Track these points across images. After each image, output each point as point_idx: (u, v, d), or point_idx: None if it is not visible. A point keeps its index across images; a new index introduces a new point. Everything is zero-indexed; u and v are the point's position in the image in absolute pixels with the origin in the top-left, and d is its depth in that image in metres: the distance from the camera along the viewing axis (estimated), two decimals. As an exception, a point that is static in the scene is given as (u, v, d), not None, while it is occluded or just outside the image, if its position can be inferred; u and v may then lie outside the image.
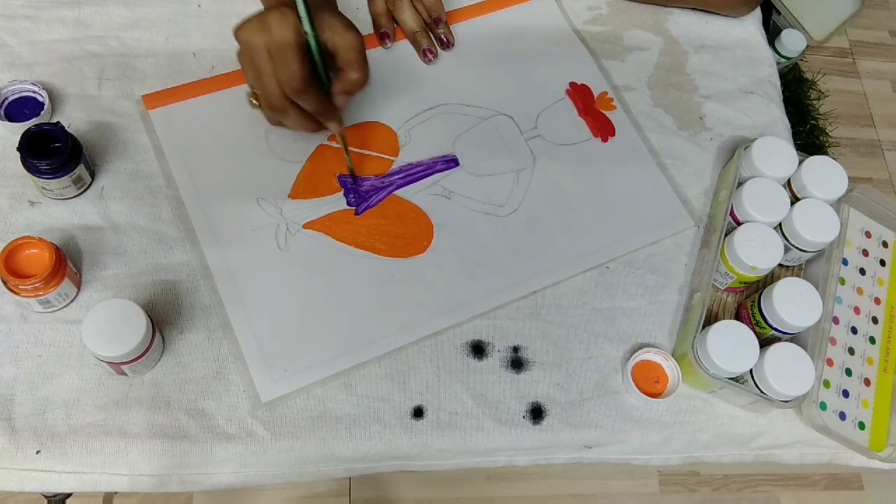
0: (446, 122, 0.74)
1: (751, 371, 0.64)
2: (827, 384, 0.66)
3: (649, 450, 0.66)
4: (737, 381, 0.64)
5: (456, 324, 0.66)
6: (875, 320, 0.71)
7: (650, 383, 0.66)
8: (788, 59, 1.53)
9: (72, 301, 0.61)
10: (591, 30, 0.82)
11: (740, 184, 0.71)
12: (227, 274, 0.64)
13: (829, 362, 0.67)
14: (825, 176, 0.71)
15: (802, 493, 1.37)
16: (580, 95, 0.77)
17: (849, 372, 0.68)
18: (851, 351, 0.69)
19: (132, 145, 0.68)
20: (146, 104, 0.70)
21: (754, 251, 0.66)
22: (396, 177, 0.71)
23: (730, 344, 0.63)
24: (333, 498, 1.23)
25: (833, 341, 0.68)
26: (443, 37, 0.77)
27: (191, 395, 0.60)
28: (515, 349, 0.66)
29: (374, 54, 0.76)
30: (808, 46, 1.53)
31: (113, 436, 0.58)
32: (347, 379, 0.63)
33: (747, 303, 0.69)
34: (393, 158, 0.72)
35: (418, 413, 0.62)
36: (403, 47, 0.77)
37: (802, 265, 0.74)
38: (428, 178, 0.71)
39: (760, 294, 0.67)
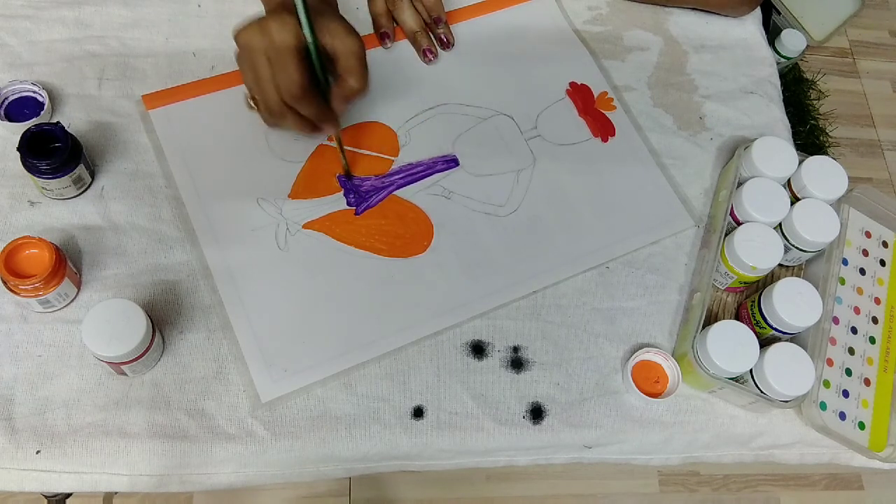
0: (446, 122, 0.74)
1: (751, 371, 0.64)
2: (827, 384, 0.66)
3: (649, 450, 0.66)
4: (737, 381, 0.64)
5: (456, 324, 0.66)
6: (875, 320, 0.71)
7: (650, 383, 0.66)
8: (788, 59, 1.52)
9: (72, 301, 0.61)
10: (591, 30, 0.82)
11: (740, 184, 0.71)
12: (227, 274, 0.64)
13: (829, 362, 0.67)
14: (825, 176, 0.71)
15: (802, 493, 1.37)
16: (580, 95, 0.77)
17: (849, 372, 0.68)
18: (851, 351, 0.69)
19: (132, 145, 0.68)
20: (146, 104, 0.70)
21: (754, 251, 0.66)
22: (396, 177, 0.71)
23: (730, 344, 0.63)
24: (333, 498, 1.23)
25: (833, 341, 0.68)
26: (443, 37, 0.77)
27: (191, 395, 0.60)
28: (515, 349, 0.66)
29: (374, 54, 0.76)
30: (808, 46, 1.52)
31: (113, 436, 0.58)
32: (347, 379, 0.63)
33: (747, 303, 0.69)
34: (393, 158, 0.72)
35: (418, 413, 0.62)
36: (403, 47, 0.77)
37: (802, 265, 0.74)
38: (428, 178, 0.71)
39: (760, 294, 0.67)
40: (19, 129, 0.63)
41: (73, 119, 0.68)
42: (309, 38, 0.58)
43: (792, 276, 0.71)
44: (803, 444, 0.67)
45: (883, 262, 0.74)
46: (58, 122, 0.61)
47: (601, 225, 0.71)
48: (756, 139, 0.72)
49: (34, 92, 0.67)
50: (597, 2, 0.84)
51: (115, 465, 0.58)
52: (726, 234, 0.69)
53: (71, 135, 0.62)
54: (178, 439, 0.59)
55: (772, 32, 1.53)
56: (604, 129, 0.76)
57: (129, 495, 1.14)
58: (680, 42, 0.83)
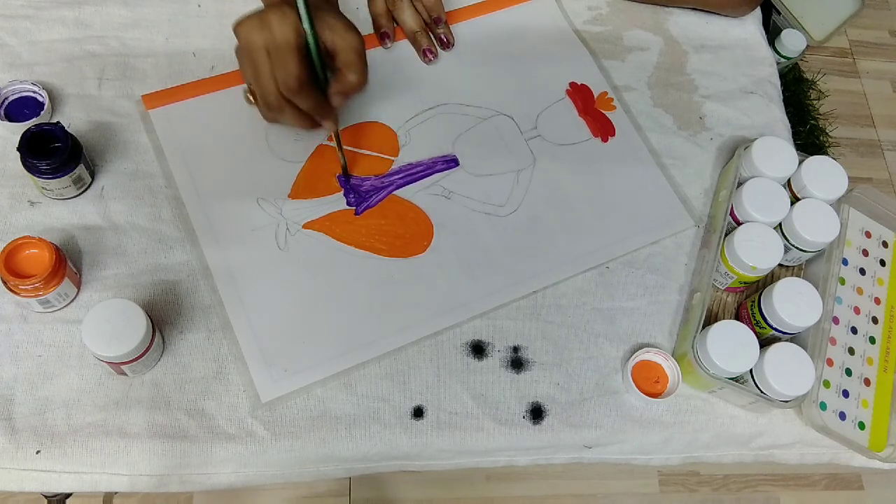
0: (446, 122, 0.74)
1: (751, 371, 0.64)
2: (827, 384, 0.66)
3: (649, 450, 0.66)
4: (737, 381, 0.64)
5: (456, 324, 0.66)
6: (875, 320, 0.71)
7: (650, 383, 0.66)
8: (788, 59, 1.52)
9: (72, 301, 0.61)
10: (591, 30, 0.82)
11: (740, 184, 0.71)
12: (227, 274, 0.64)
13: (829, 362, 0.67)
14: (825, 176, 0.71)
15: (802, 493, 1.37)
16: (580, 95, 0.77)
17: (849, 372, 0.68)
18: (851, 351, 0.69)
19: (132, 145, 0.68)
20: (146, 104, 0.70)
21: (754, 251, 0.66)
22: (396, 177, 0.71)
23: (730, 344, 0.63)
24: (333, 498, 1.23)
25: (833, 341, 0.68)
26: (443, 37, 0.77)
27: (191, 395, 0.60)
28: (515, 349, 0.66)
29: (374, 54, 0.76)
30: (808, 46, 1.52)
31: (113, 436, 0.58)
32: (347, 379, 0.63)
33: (747, 303, 0.69)
34: (393, 158, 0.72)
35: (418, 413, 0.62)
36: (403, 47, 0.77)
37: (802, 265, 0.74)
38: (428, 178, 0.71)
39: (760, 294, 0.67)
40: (19, 129, 0.63)
41: (73, 119, 0.68)
42: (308, 32, 0.58)
43: (792, 276, 0.71)
44: (803, 444, 0.67)
45: (883, 262, 0.74)
46: (58, 122, 0.61)
47: (601, 225, 0.71)
48: (756, 139, 0.72)
49: (34, 92, 0.67)
50: (597, 2, 0.84)
51: (115, 465, 0.58)
52: (726, 234, 0.69)
53: (71, 135, 0.62)
54: (178, 439, 0.59)
55: (772, 32, 1.53)
56: (604, 129, 0.76)
57: (129, 495, 1.14)
58: (680, 42, 0.83)
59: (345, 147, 0.71)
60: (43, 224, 0.64)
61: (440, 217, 0.69)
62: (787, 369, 0.63)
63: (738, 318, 0.70)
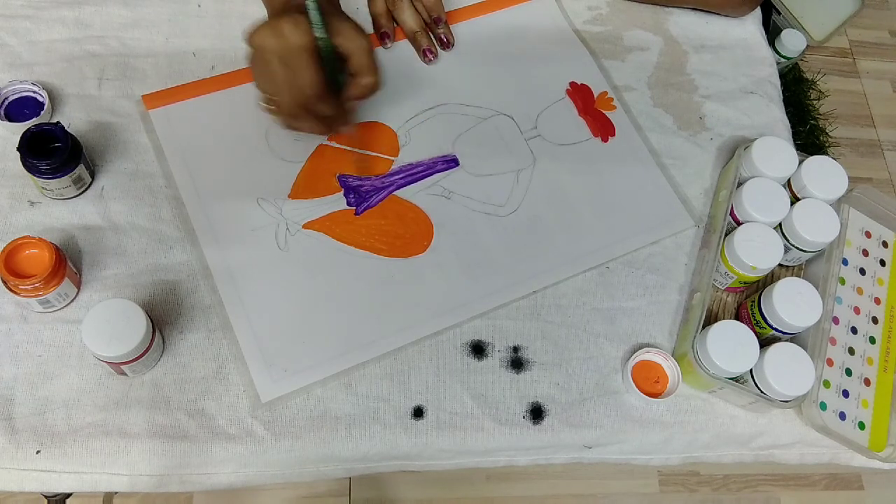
0: (446, 122, 0.74)
1: (751, 371, 0.64)
2: (827, 384, 0.66)
3: (649, 450, 0.66)
4: (737, 381, 0.64)
5: (456, 324, 0.66)
6: (875, 320, 0.71)
7: (650, 383, 0.66)
8: (788, 59, 1.52)
9: (72, 301, 0.61)
10: (591, 30, 0.82)
11: (740, 184, 0.71)
12: (227, 274, 0.64)
13: (829, 362, 0.67)
14: (825, 176, 0.71)
15: (802, 493, 1.37)
16: (580, 95, 0.77)
17: (849, 372, 0.68)
18: (851, 351, 0.69)
19: (132, 145, 0.68)
20: (146, 104, 0.70)
21: (754, 251, 0.66)
22: (396, 177, 0.71)
23: (730, 344, 0.63)
24: (333, 498, 1.23)
25: (833, 341, 0.68)
26: (443, 37, 0.77)
27: (191, 395, 0.60)
28: (515, 349, 0.66)
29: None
30: (808, 46, 1.52)
31: (113, 436, 0.58)
32: (347, 379, 0.63)
33: (747, 303, 0.69)
34: (393, 158, 0.72)
35: (418, 413, 0.62)
36: (403, 47, 0.77)
37: (802, 265, 0.74)
38: (428, 178, 0.71)
39: (760, 294, 0.67)
40: (19, 129, 0.63)
41: (73, 119, 0.68)
42: (322, 39, 0.58)
43: (792, 276, 0.71)
44: (803, 444, 0.67)
45: (883, 262, 0.74)
46: (58, 122, 0.61)
47: (601, 225, 0.71)
48: (756, 139, 0.72)
49: (34, 92, 0.67)
50: (597, 2, 0.84)
51: (115, 465, 0.58)
52: (726, 234, 0.69)
53: (71, 135, 0.62)
54: (178, 439, 0.59)
55: (772, 32, 1.53)
56: (604, 129, 0.76)
57: (129, 495, 1.14)
58: (680, 42, 0.83)
59: (344, 147, 0.71)
60: (43, 224, 0.64)
61: (440, 217, 0.69)
62: (787, 369, 0.63)
63: (738, 318, 0.70)
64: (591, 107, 0.77)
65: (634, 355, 0.66)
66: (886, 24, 1.89)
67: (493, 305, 0.67)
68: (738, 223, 0.70)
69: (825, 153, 1.57)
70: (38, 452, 0.57)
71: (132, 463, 0.58)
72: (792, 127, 0.82)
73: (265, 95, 0.62)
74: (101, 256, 0.63)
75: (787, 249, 0.70)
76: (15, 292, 0.58)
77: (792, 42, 1.50)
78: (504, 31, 0.80)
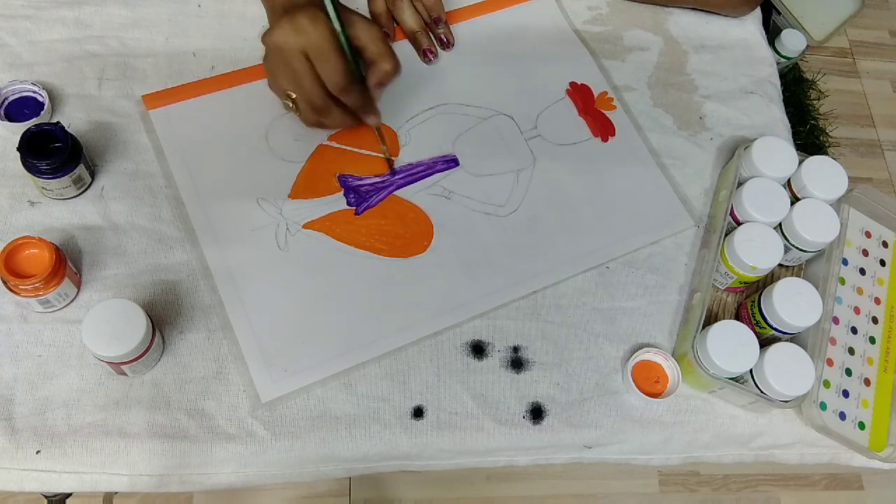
0: (446, 122, 0.74)
1: (751, 371, 0.64)
2: (827, 384, 0.66)
3: (649, 450, 0.66)
4: (737, 381, 0.64)
5: (456, 324, 0.66)
6: (875, 320, 0.71)
7: (650, 383, 0.66)
8: (788, 59, 1.53)
9: (72, 301, 0.61)
10: (591, 30, 0.82)
11: (740, 184, 0.71)
12: (227, 274, 0.64)
13: (829, 362, 0.67)
14: (825, 176, 0.71)
15: (802, 493, 1.37)
16: (580, 95, 0.77)
17: (849, 372, 0.68)
18: (851, 351, 0.69)
19: (132, 145, 0.68)
20: (146, 104, 0.70)
21: (754, 251, 0.66)
22: (396, 177, 0.71)
23: (730, 344, 0.63)
24: (333, 498, 1.23)
25: (833, 341, 0.68)
26: (443, 37, 0.77)
27: (191, 395, 0.60)
28: (515, 349, 0.66)
29: (374, 54, 0.76)
30: (808, 46, 1.53)
31: (113, 436, 0.58)
32: (347, 379, 0.63)
33: (747, 303, 0.69)
34: (393, 158, 0.72)
35: (418, 413, 0.62)
36: (403, 47, 0.77)
37: (802, 265, 0.74)
38: (428, 178, 0.71)
39: (760, 294, 0.67)
40: (19, 129, 0.63)
41: (73, 119, 0.68)
42: (340, 31, 0.59)
43: (792, 276, 0.71)
44: (803, 444, 0.67)
45: (883, 262, 0.74)
46: (58, 122, 0.61)
47: (601, 225, 0.71)
48: (756, 139, 0.72)
49: (34, 92, 0.67)
50: (597, 2, 0.84)
51: (115, 465, 0.58)
52: (726, 234, 0.69)
53: (71, 135, 0.62)
54: (178, 439, 0.59)
55: (772, 32, 1.53)
56: (604, 129, 0.76)
57: (129, 495, 1.14)
58: (680, 42, 0.83)
59: (344, 147, 0.71)
60: (43, 224, 0.64)
61: (440, 217, 0.69)
62: (787, 369, 0.63)
63: (738, 318, 0.70)
64: (591, 107, 0.77)
65: (634, 355, 0.66)
66: (886, 24, 1.89)
67: (493, 305, 0.67)
68: (738, 223, 0.70)
69: (825, 153, 1.57)
70: (38, 452, 0.57)
71: (132, 463, 0.58)
72: (792, 127, 0.82)
73: (286, 94, 0.63)
74: (101, 256, 0.63)
75: (787, 249, 0.70)
76: (15, 292, 0.58)
77: (792, 42, 1.50)
78: (504, 31, 0.80)
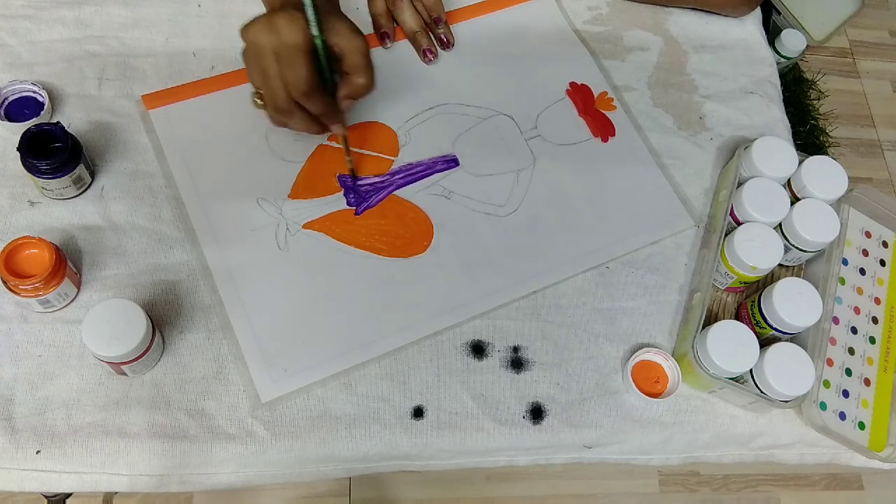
0: (446, 122, 0.74)
1: (751, 371, 0.64)
2: (827, 384, 0.66)
3: (649, 450, 0.66)
4: (737, 381, 0.64)
5: (456, 324, 0.66)
6: (875, 320, 0.71)
7: (650, 383, 0.66)
8: (788, 59, 1.53)
9: (72, 301, 0.61)
10: (591, 30, 0.82)
11: (740, 184, 0.71)
12: (227, 274, 0.64)
13: (829, 362, 0.67)
14: (825, 176, 0.71)
15: (802, 493, 1.37)
16: (580, 95, 0.77)
17: (849, 372, 0.68)
18: (851, 351, 0.69)
19: (132, 145, 0.68)
20: (146, 104, 0.70)
21: (754, 251, 0.66)
22: (396, 177, 0.71)
23: (730, 344, 0.63)
24: (333, 498, 1.23)
25: (833, 341, 0.68)
26: (443, 37, 0.77)
27: (191, 395, 0.60)
28: (515, 349, 0.66)
29: (374, 54, 0.75)
30: (808, 46, 1.52)
31: (113, 436, 0.58)
32: (347, 379, 0.63)
33: (747, 303, 0.69)
34: (393, 158, 0.72)
35: (418, 413, 0.62)
36: (403, 47, 0.77)
37: (802, 265, 0.74)
38: (428, 178, 0.71)
39: (760, 294, 0.67)
40: (19, 129, 0.63)
41: (73, 119, 0.68)
42: (317, 36, 0.58)
43: (792, 276, 0.71)
44: (803, 444, 0.67)
45: (883, 262, 0.74)
46: (58, 122, 0.61)
47: (601, 225, 0.71)
48: (756, 139, 0.72)
49: (34, 92, 0.67)
50: (597, 2, 0.84)
51: (115, 465, 0.58)
52: (726, 234, 0.69)
53: (71, 135, 0.62)
54: (178, 439, 0.59)
55: (772, 32, 1.53)
56: (604, 129, 0.76)
57: (129, 495, 1.14)
58: (680, 42, 0.83)
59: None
60: (43, 224, 0.64)
61: (440, 217, 0.69)
62: (787, 369, 0.63)
63: (738, 318, 0.70)
64: (591, 107, 0.77)
65: (634, 355, 0.66)
66: (886, 24, 1.89)
67: (493, 305, 0.67)
68: (738, 223, 0.70)
69: (825, 153, 1.57)
70: (38, 452, 0.57)
71: (132, 463, 0.58)
72: (792, 127, 0.82)
73: (257, 90, 0.62)
74: (101, 256, 0.63)
75: (787, 249, 0.70)
76: (15, 292, 0.58)
77: (792, 42, 1.50)
78: (504, 31, 0.80)
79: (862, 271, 0.72)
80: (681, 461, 0.67)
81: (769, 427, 0.67)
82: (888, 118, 1.76)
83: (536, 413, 0.64)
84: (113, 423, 0.58)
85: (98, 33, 0.72)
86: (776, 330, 0.66)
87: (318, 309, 0.64)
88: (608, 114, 0.77)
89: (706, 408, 0.66)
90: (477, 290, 0.67)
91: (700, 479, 1.34)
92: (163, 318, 0.62)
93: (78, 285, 0.62)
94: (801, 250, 0.70)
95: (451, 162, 0.72)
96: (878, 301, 0.72)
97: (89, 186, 0.66)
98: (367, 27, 0.77)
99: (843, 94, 1.76)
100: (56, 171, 0.61)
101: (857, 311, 0.71)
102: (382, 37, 0.76)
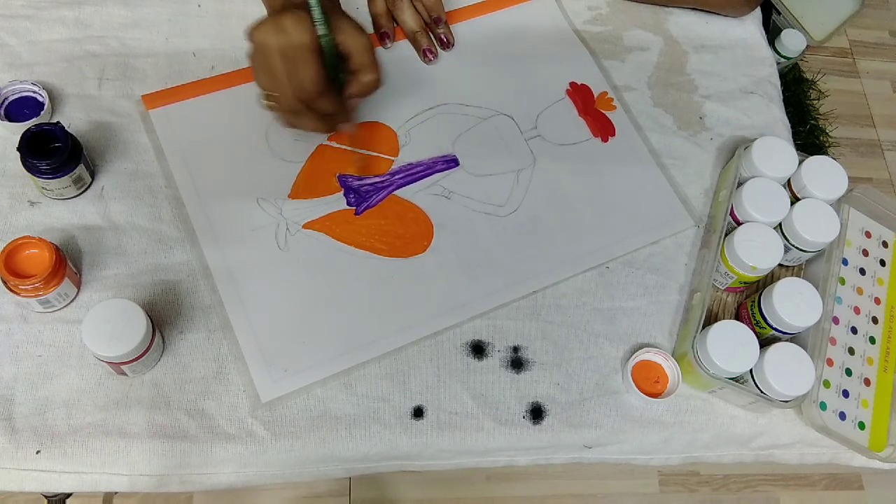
0: (446, 122, 0.74)
1: (751, 371, 0.64)
2: (827, 384, 0.66)
3: (649, 450, 0.66)
4: (737, 381, 0.64)
5: (456, 324, 0.66)
6: (875, 320, 0.71)
7: (650, 383, 0.66)
8: (788, 59, 1.53)
9: (72, 301, 0.61)
10: (591, 30, 0.82)
11: (740, 184, 0.71)
12: (227, 274, 0.64)
13: (829, 362, 0.67)
14: (825, 176, 0.71)
15: (802, 493, 1.37)
16: (580, 95, 0.77)
17: (849, 372, 0.68)
18: (851, 351, 0.69)
19: (132, 145, 0.68)
20: (146, 104, 0.70)
21: (754, 251, 0.66)
22: (396, 177, 0.71)
23: (730, 344, 0.63)
24: (333, 498, 1.23)
25: (833, 341, 0.68)
26: (443, 37, 0.77)
27: (191, 395, 0.60)
28: (515, 349, 0.66)
29: (375, 54, 0.76)
30: (808, 46, 1.53)
31: (113, 436, 0.58)
32: (347, 379, 0.63)
33: (747, 303, 0.69)
34: (393, 158, 0.72)
35: (418, 413, 0.62)
36: (403, 47, 0.77)
37: (802, 265, 0.74)
38: (428, 178, 0.71)
39: (760, 294, 0.67)
40: (19, 129, 0.63)
41: (73, 119, 0.68)
42: (325, 36, 0.59)
43: (792, 276, 0.71)
44: (803, 444, 0.67)
45: (883, 262, 0.74)
46: (58, 122, 0.61)
47: (601, 225, 0.71)
48: (756, 139, 0.72)
49: (34, 92, 0.67)
50: (597, 2, 0.84)
51: (115, 465, 0.58)
52: (726, 234, 0.69)
53: (71, 135, 0.62)
54: (178, 439, 0.59)
55: (772, 32, 1.54)
56: (604, 129, 0.76)
57: (129, 495, 1.14)
58: (680, 42, 0.83)
59: (344, 147, 0.71)
60: (43, 224, 0.64)
61: (440, 217, 0.69)
62: (787, 369, 0.63)
63: (738, 318, 0.70)
64: (591, 107, 0.77)
65: (634, 355, 0.66)
66: (886, 24, 1.89)
67: (493, 305, 0.67)
68: (738, 223, 0.70)
69: (825, 153, 1.57)
70: (38, 452, 0.57)
71: (132, 463, 0.58)
72: (792, 127, 0.82)
73: (265, 92, 0.62)
74: (101, 256, 0.63)
75: (787, 249, 0.70)
76: (15, 292, 0.58)
77: (792, 42, 1.50)
78: (504, 31, 0.80)
79: (862, 271, 0.72)
80: (681, 461, 0.67)
81: (769, 427, 0.67)
82: (888, 118, 1.76)
83: (536, 413, 0.64)
84: (113, 423, 0.58)
85: (98, 33, 0.72)
86: (776, 330, 0.66)
87: (318, 309, 0.64)
88: (608, 114, 0.77)
89: (706, 408, 0.66)
90: (477, 290, 0.67)
91: (700, 479, 1.34)
92: (163, 318, 0.62)
93: (78, 285, 0.62)
94: (801, 250, 0.70)
95: (451, 162, 0.72)
96: (878, 301, 0.72)
97: (89, 186, 0.66)
98: (366, 27, 0.76)
99: (843, 94, 1.76)
100: (56, 171, 0.61)
101: (857, 311, 0.71)
102: (382, 37, 0.76)
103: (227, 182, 0.68)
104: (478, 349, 0.65)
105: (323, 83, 0.59)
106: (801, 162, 0.72)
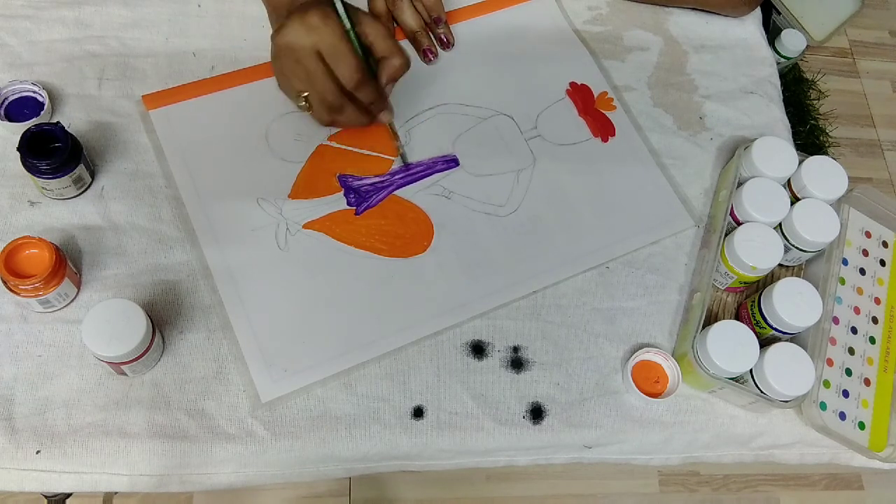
0: (446, 122, 0.74)
1: (751, 371, 0.64)
2: (827, 384, 0.66)
3: (649, 450, 0.66)
4: (737, 381, 0.64)
5: (456, 324, 0.66)
6: (875, 320, 0.71)
7: (650, 383, 0.66)
8: (788, 59, 1.53)
9: (72, 301, 0.61)
10: (591, 30, 0.82)
11: (740, 184, 0.71)
12: (227, 274, 0.64)
13: (829, 362, 0.67)
14: (825, 176, 0.71)
15: (802, 493, 1.37)
16: (580, 95, 0.77)
17: (849, 372, 0.68)
18: (851, 351, 0.69)
19: (132, 145, 0.68)
20: (146, 104, 0.70)
21: (754, 251, 0.66)
22: (396, 177, 0.71)
23: (730, 344, 0.63)
24: (333, 498, 1.23)
25: (833, 341, 0.68)
26: (443, 37, 0.77)
27: (191, 395, 0.60)
28: (515, 349, 0.66)
29: (374, 54, 0.76)
30: (808, 46, 1.53)
31: (113, 436, 0.58)
32: (347, 379, 0.63)
33: (747, 303, 0.69)
34: (393, 158, 0.72)
35: (418, 413, 0.62)
36: (404, 47, 0.77)
37: (802, 265, 0.74)
38: (428, 178, 0.71)
39: (760, 294, 0.67)
40: (19, 129, 0.63)
41: (73, 119, 0.68)
42: (350, 29, 0.60)
43: (792, 276, 0.71)
44: (803, 444, 0.67)
45: (883, 262, 0.74)
46: (58, 122, 0.61)
47: (601, 225, 0.71)
48: (756, 139, 0.72)
49: (34, 92, 0.67)
50: (597, 2, 0.84)
51: (115, 465, 0.58)
52: (726, 234, 0.69)
53: (71, 135, 0.62)
54: (178, 439, 0.59)
55: (772, 32, 1.54)
56: (604, 129, 0.76)
57: (129, 495, 1.14)
58: (680, 42, 0.83)
59: (344, 147, 0.71)
60: (43, 224, 0.64)
61: (440, 217, 0.69)
62: (787, 369, 0.63)
63: (738, 318, 0.70)
64: (591, 107, 0.77)
65: (634, 355, 0.66)
66: (886, 24, 1.89)
67: (493, 305, 0.67)
68: (738, 223, 0.70)
69: (825, 153, 1.57)
70: (38, 452, 0.57)
71: (132, 463, 0.58)
72: (792, 127, 0.82)
73: (299, 93, 0.63)
74: (101, 256, 0.63)
75: (787, 249, 0.70)
76: (15, 292, 0.58)
77: (792, 42, 1.50)
78: (504, 31, 0.80)
79: (862, 271, 0.72)
80: (681, 461, 0.67)
81: (769, 427, 0.67)
82: (888, 118, 1.76)
83: (536, 413, 0.64)
84: (113, 423, 0.58)
85: (98, 33, 0.72)
86: (776, 330, 0.66)
87: (318, 309, 0.64)
88: (608, 114, 0.77)
89: (706, 408, 0.66)
90: (477, 290, 0.67)
91: (700, 479, 1.35)
92: (163, 318, 0.62)
93: (78, 285, 0.62)
94: (801, 250, 0.70)
95: (451, 162, 0.72)
96: (878, 301, 0.72)
97: (89, 186, 0.66)
98: (367, 27, 0.77)
99: (843, 94, 1.77)
100: (56, 171, 0.61)
101: (857, 311, 0.71)
102: (382, 37, 0.76)
103: (227, 182, 0.68)
104: (478, 349, 0.65)
105: (365, 72, 0.60)
106: (801, 162, 0.72)
